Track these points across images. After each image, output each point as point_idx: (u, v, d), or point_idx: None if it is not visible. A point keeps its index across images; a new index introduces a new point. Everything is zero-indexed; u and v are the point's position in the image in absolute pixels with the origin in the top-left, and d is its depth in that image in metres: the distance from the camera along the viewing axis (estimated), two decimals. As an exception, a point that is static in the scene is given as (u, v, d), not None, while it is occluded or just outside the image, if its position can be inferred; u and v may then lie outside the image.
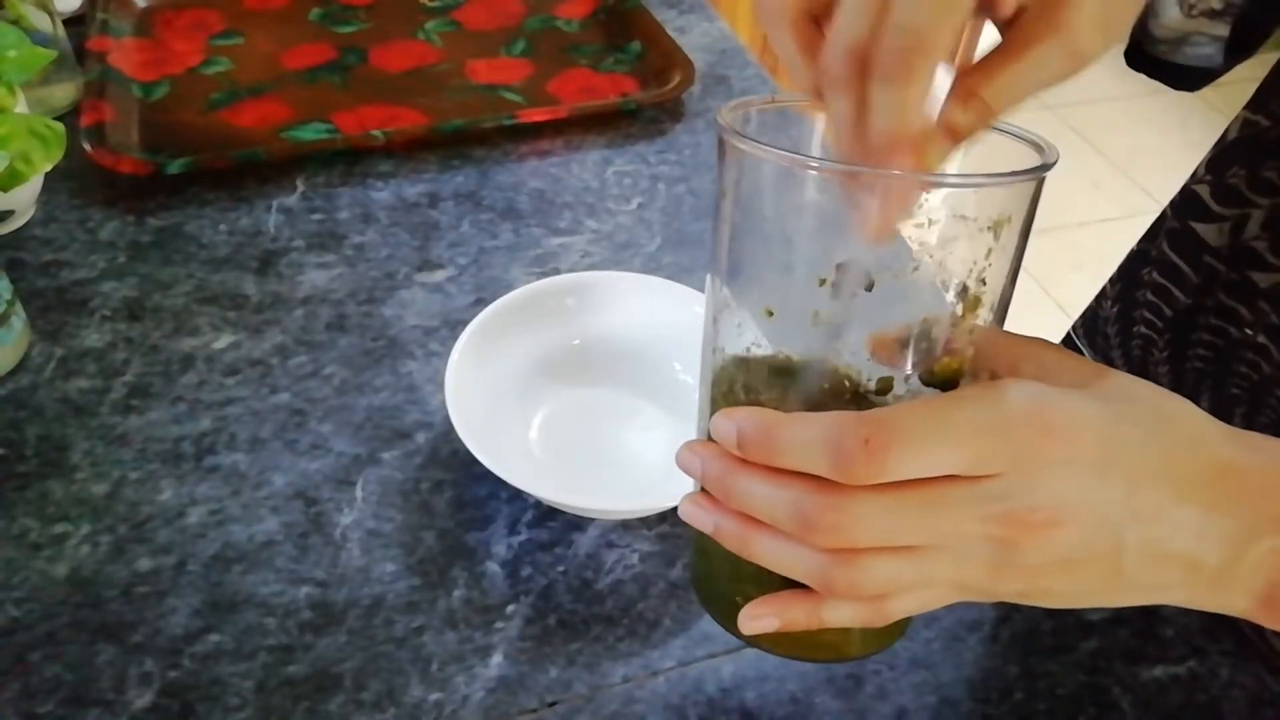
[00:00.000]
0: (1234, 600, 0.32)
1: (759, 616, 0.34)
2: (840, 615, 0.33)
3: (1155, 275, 0.59)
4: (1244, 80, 0.55)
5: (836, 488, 0.30)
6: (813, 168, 0.31)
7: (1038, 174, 0.31)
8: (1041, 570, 0.31)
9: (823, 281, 0.32)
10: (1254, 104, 0.53)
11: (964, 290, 0.32)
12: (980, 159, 0.33)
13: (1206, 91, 0.53)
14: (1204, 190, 0.56)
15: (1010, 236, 0.32)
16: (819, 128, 0.34)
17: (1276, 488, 0.32)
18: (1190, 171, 0.58)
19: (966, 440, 0.30)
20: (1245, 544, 0.31)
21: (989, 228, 0.31)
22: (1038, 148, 0.32)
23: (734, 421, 0.31)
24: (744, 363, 0.34)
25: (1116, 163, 2.31)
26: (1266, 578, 0.32)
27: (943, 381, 0.32)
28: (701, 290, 0.56)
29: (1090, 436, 0.30)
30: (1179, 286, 0.57)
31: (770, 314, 0.33)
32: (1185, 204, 0.58)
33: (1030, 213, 0.32)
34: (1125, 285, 0.62)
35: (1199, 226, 0.56)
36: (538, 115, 0.74)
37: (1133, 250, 0.63)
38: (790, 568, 0.32)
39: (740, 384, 0.34)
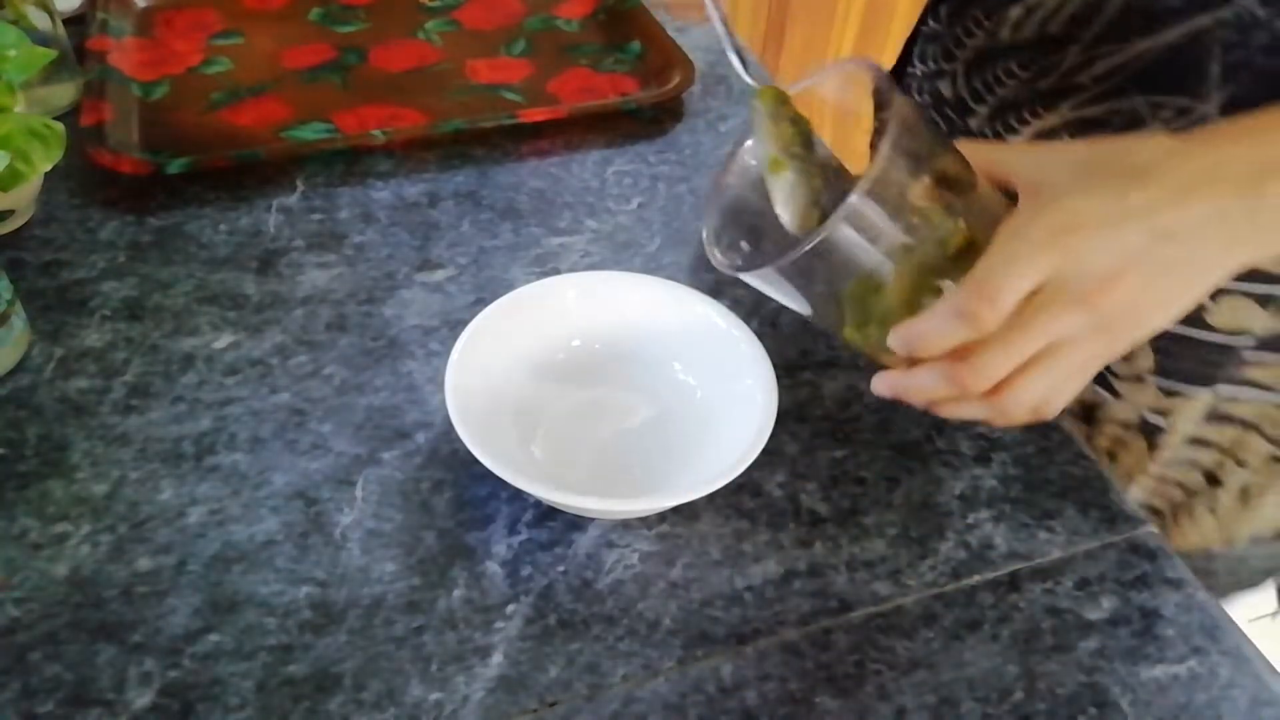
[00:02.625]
0: None
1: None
2: (1022, 420, 0.43)
3: None
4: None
5: (963, 353, 0.41)
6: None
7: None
8: (1137, 307, 0.40)
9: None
10: None
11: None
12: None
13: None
14: (947, 39, 0.65)
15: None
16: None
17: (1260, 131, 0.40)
18: None
19: (1032, 254, 0.39)
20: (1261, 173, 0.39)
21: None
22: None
23: (898, 337, 0.42)
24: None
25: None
26: None
27: (960, 251, 0.42)
28: (701, 289, 0.56)
29: (1089, 214, 0.39)
30: None
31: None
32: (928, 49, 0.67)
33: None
34: None
35: (941, 84, 0.66)
36: (538, 115, 0.74)
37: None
38: (976, 415, 0.43)
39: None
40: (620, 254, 0.66)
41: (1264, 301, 0.54)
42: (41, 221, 0.65)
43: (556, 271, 0.64)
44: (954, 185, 0.42)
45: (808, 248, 0.40)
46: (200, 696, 0.43)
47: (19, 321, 0.56)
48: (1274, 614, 0.78)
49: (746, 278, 0.43)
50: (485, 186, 0.70)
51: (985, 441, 0.55)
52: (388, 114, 0.75)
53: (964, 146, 0.44)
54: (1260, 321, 0.55)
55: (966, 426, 0.56)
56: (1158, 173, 0.40)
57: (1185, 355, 0.58)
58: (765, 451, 0.48)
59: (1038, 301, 0.39)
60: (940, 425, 0.56)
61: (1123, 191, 0.39)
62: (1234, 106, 0.51)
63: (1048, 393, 0.42)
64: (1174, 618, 0.48)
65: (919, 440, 0.55)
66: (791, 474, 0.53)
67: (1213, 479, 0.65)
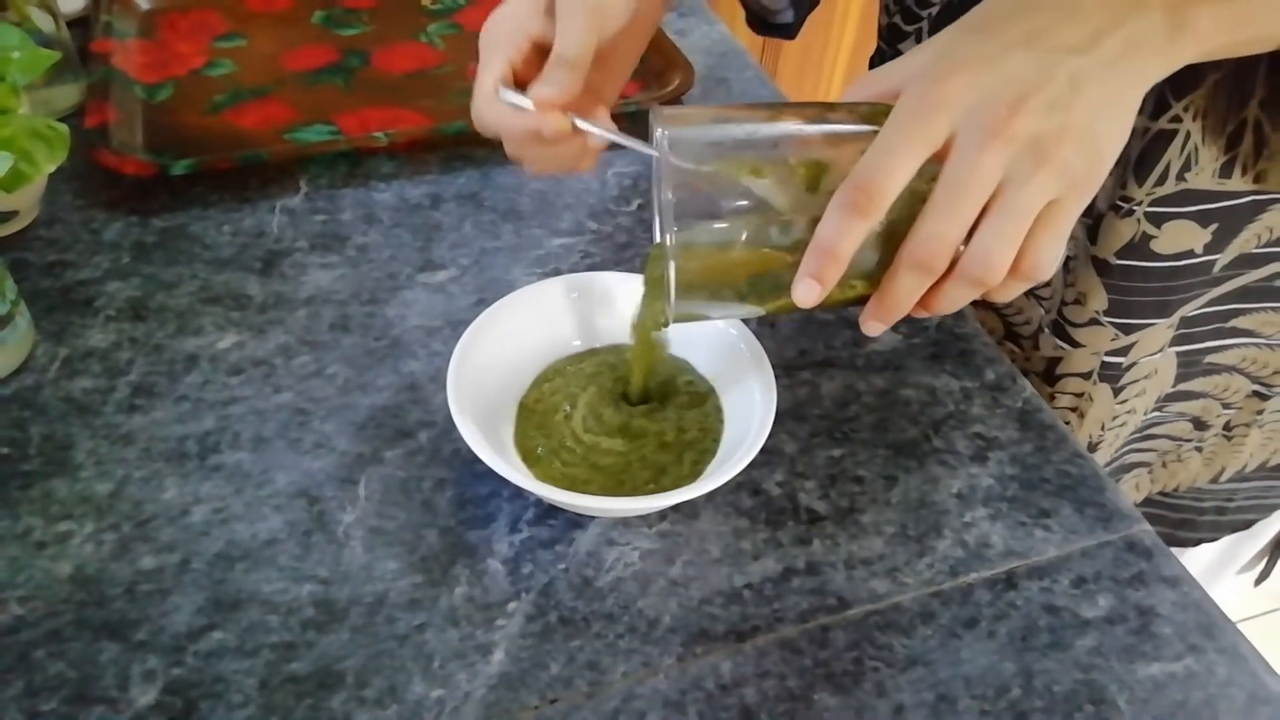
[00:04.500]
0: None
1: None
2: (1015, 287, 0.41)
3: None
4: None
5: (914, 237, 0.38)
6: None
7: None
8: (1066, 126, 0.37)
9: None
10: None
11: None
12: None
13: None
14: (897, 19, 0.66)
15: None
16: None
17: None
18: None
19: (898, 135, 0.37)
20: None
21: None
22: None
23: (804, 270, 0.39)
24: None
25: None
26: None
27: (813, 177, 0.40)
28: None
29: (964, 59, 0.38)
30: None
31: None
32: (889, 32, 0.68)
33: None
34: None
35: (903, 46, 0.66)
36: (539, 117, 0.74)
37: None
38: (966, 294, 0.40)
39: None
40: (621, 255, 0.66)
41: (1203, 221, 0.55)
42: (46, 222, 0.66)
43: (558, 272, 0.64)
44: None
45: (672, 297, 0.41)
46: (203, 694, 0.44)
47: (23, 322, 0.56)
48: (1259, 575, 0.80)
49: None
50: (487, 188, 0.70)
51: (982, 441, 0.56)
52: (390, 116, 0.76)
53: (859, 80, 0.43)
54: (1201, 239, 0.56)
55: (964, 426, 0.56)
56: (1033, 4, 0.39)
57: (1136, 289, 0.58)
58: (764, 450, 0.48)
59: (950, 157, 0.38)
60: (938, 425, 0.57)
61: (1000, 30, 0.38)
62: None
63: (1014, 244, 0.39)
64: (1170, 616, 0.49)
65: (916, 439, 0.56)
66: (790, 473, 0.54)
67: (1200, 424, 0.66)
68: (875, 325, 0.42)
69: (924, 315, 0.42)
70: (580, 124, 0.46)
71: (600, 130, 0.46)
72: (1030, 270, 0.39)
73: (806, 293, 0.40)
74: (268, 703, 0.44)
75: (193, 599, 0.47)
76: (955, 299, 0.41)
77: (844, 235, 0.38)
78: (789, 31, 0.67)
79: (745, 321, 0.54)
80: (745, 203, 0.40)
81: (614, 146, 0.47)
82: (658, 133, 0.41)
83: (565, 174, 0.57)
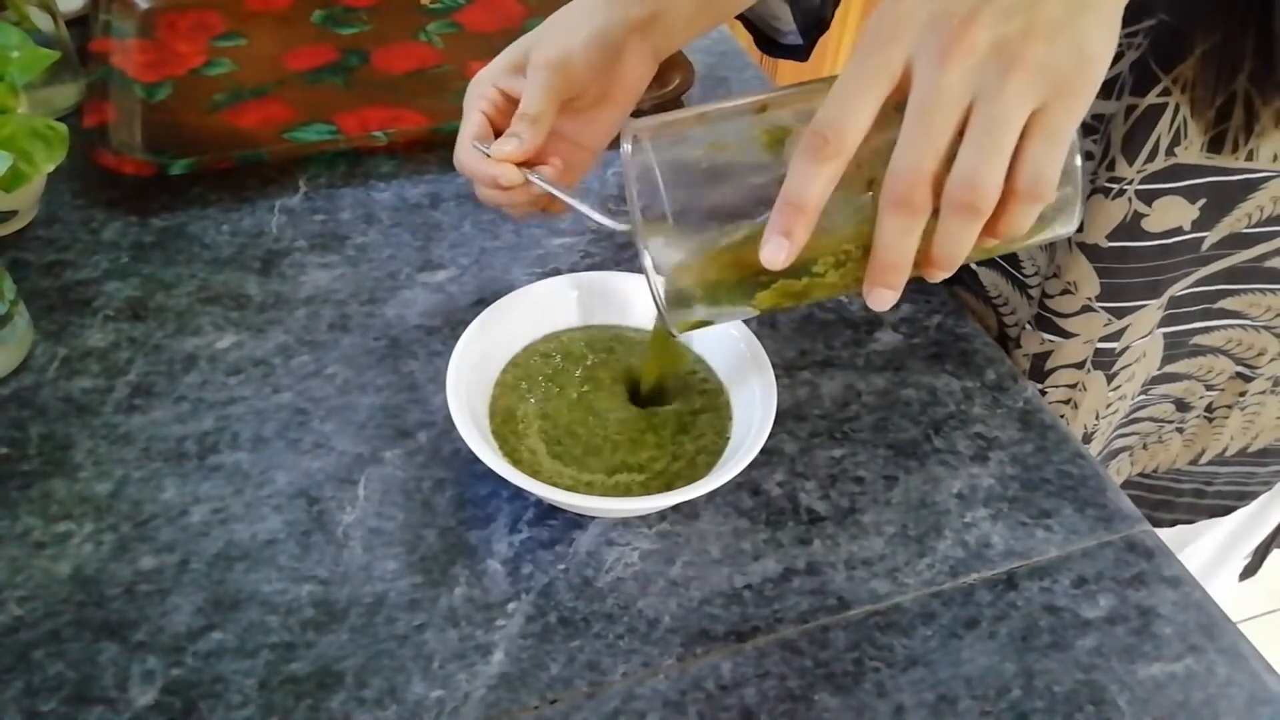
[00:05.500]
0: None
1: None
2: (1022, 211, 0.37)
3: None
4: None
5: (889, 174, 0.36)
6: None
7: None
8: (1032, 28, 0.34)
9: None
10: None
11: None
12: None
13: None
14: None
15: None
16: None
17: None
18: None
19: (851, 74, 0.36)
20: None
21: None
22: None
23: (775, 234, 0.38)
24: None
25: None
26: None
27: (772, 142, 0.40)
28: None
29: None
30: None
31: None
32: None
33: None
34: None
35: None
36: (538, 116, 0.74)
37: None
38: (963, 230, 0.37)
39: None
40: (620, 254, 0.66)
41: (1191, 197, 0.55)
42: (45, 222, 0.65)
43: (557, 272, 0.64)
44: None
45: (661, 301, 0.41)
46: (203, 694, 0.44)
47: (22, 321, 0.56)
48: (1243, 571, 0.80)
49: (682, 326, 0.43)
50: (486, 187, 0.70)
51: (983, 441, 0.56)
52: (390, 115, 0.76)
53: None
54: (1189, 216, 0.56)
55: (964, 426, 0.56)
56: None
57: (1128, 271, 0.58)
58: (764, 451, 0.48)
59: (911, 84, 0.36)
60: (938, 425, 0.56)
61: None
62: None
63: (998, 160, 0.36)
64: (1171, 616, 0.49)
65: (917, 439, 0.56)
66: (790, 473, 0.54)
67: (1182, 405, 0.67)
68: (880, 294, 0.39)
69: (934, 274, 0.39)
70: (531, 177, 0.49)
71: (548, 186, 0.50)
72: (1031, 185, 0.36)
73: (775, 251, 0.37)
74: (267, 703, 0.44)
75: (192, 599, 0.47)
76: (953, 237, 0.37)
77: (808, 183, 0.36)
78: (799, 54, 0.66)
79: (746, 321, 0.54)
80: (719, 202, 0.40)
81: (614, 144, 0.47)
82: (626, 148, 0.41)
83: (542, 218, 0.59)
